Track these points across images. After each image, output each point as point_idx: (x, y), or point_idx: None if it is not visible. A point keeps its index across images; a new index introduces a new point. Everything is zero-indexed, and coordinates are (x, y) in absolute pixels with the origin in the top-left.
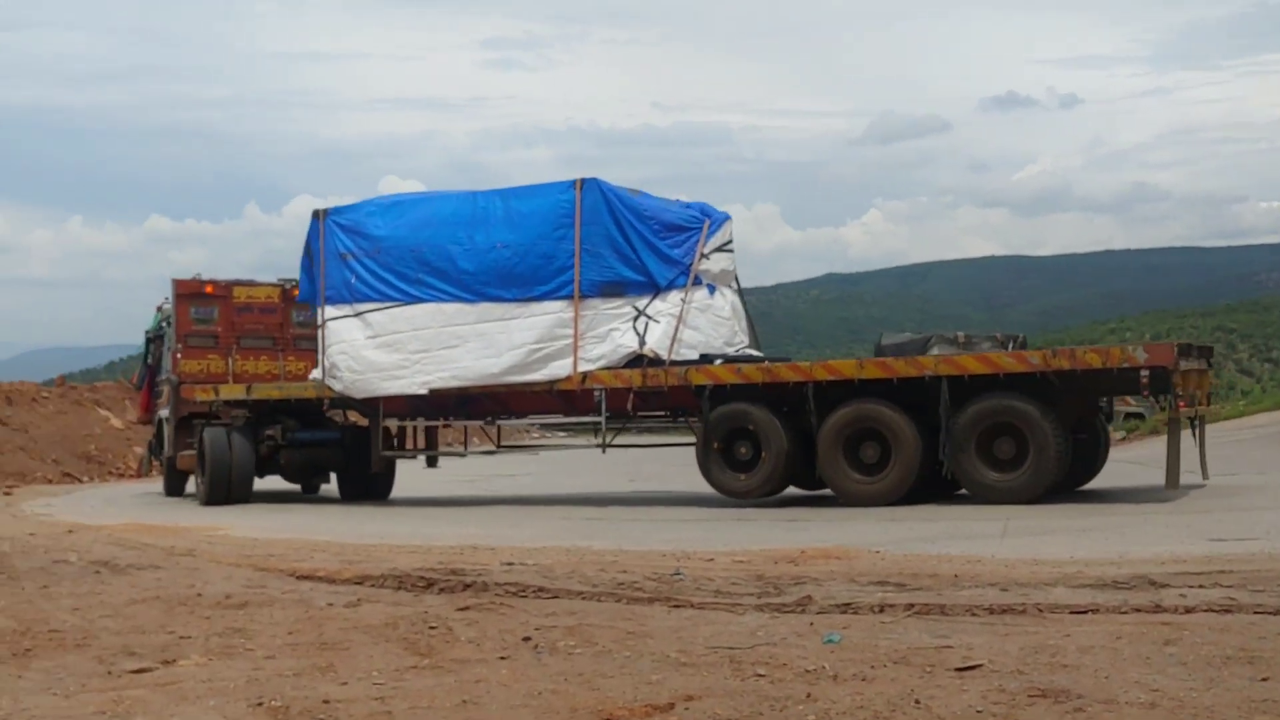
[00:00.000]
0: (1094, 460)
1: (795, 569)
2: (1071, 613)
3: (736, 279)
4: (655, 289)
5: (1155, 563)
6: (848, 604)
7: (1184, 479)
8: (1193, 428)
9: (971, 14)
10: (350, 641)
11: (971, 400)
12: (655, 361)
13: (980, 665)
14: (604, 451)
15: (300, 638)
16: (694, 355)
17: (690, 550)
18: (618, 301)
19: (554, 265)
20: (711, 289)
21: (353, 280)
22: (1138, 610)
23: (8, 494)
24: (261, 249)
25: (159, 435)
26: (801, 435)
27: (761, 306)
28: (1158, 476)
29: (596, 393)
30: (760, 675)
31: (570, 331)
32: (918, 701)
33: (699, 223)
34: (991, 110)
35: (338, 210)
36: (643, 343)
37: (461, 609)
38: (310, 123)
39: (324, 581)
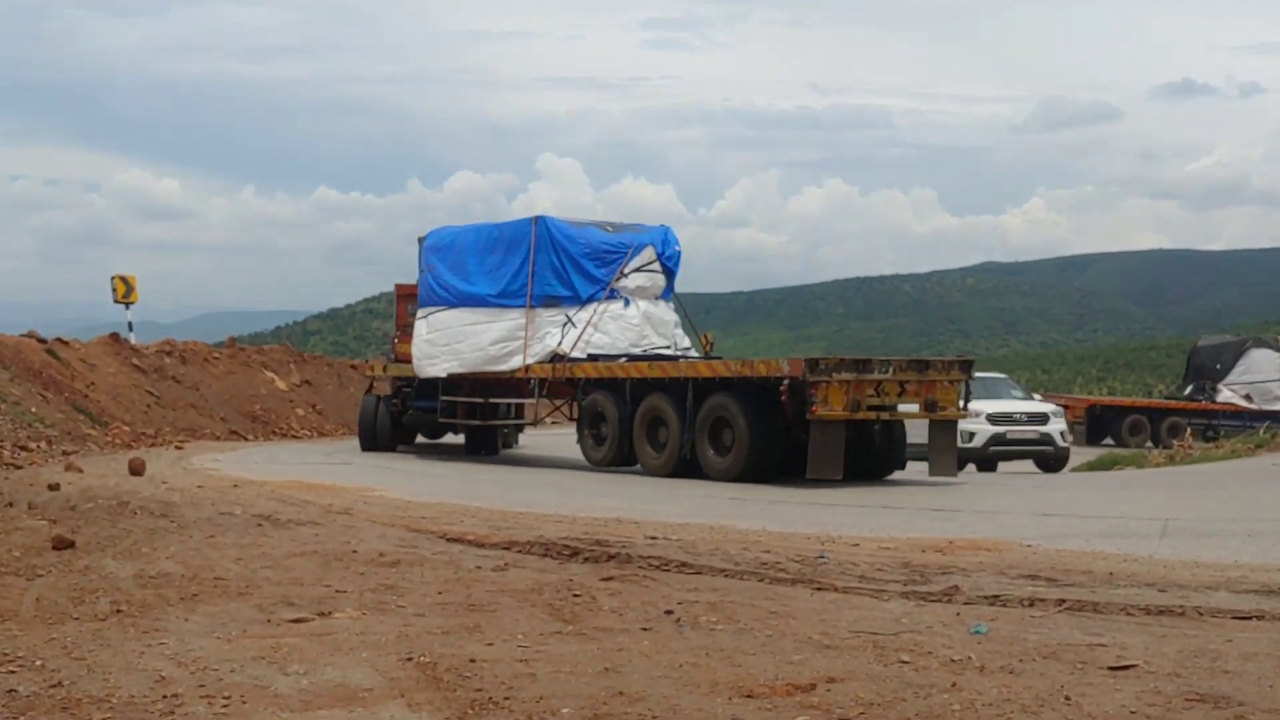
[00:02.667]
0: (887, 454)
1: (943, 558)
2: (1234, 618)
3: (674, 291)
4: (580, 301)
5: None
6: (996, 596)
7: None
8: (872, 429)
9: None
10: (497, 604)
11: (706, 398)
12: (560, 358)
13: (1135, 665)
14: (535, 425)
15: (449, 597)
16: (603, 354)
17: (835, 534)
18: (554, 311)
19: (518, 283)
20: (626, 301)
21: (422, 290)
22: None
23: (179, 448)
24: (423, 222)
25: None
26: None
27: (914, 294)
28: None
29: (532, 382)
30: (904, 662)
31: (523, 334)
32: (1068, 698)
33: (625, 249)
34: (1165, 98)
35: (427, 235)
36: (560, 343)
37: (605, 579)
38: (473, 100)
39: (473, 545)
